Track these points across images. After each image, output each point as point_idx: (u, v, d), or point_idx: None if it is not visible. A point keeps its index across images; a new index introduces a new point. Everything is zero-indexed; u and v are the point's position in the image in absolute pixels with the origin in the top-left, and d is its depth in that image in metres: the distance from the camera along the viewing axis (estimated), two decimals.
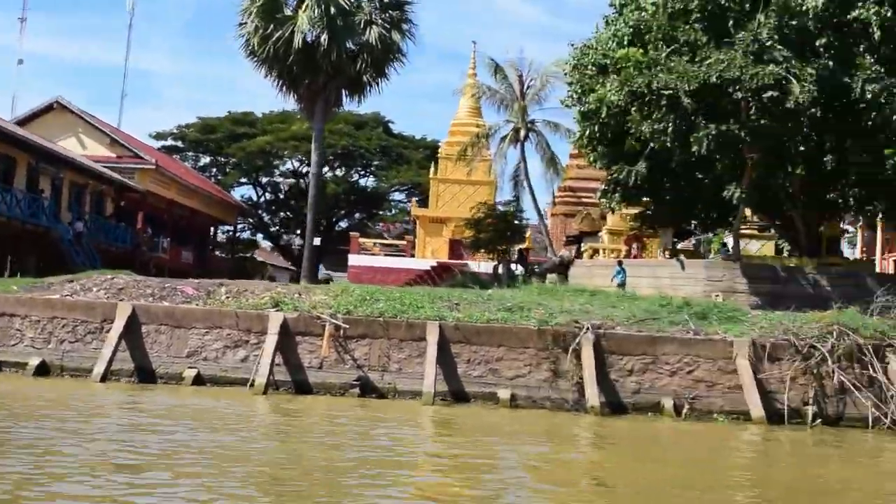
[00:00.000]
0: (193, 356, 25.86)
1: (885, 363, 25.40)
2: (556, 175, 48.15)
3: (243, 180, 67.40)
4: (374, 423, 21.64)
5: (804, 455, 21.39)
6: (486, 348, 25.75)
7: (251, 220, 68.92)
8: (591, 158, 38.69)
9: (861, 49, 31.91)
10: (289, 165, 67.64)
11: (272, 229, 72.80)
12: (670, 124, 31.56)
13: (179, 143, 66.02)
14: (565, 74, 38.68)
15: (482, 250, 39.74)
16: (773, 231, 48.22)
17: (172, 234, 56.67)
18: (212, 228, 65.88)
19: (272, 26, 36.43)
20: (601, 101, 33.73)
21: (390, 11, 37.94)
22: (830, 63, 31.21)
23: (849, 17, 31.52)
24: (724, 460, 20.13)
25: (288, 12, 37.11)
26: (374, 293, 27.90)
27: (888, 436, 23.99)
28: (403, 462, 17.00)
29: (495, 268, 39.57)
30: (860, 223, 46.98)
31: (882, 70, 31.15)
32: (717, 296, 33.11)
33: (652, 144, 32.91)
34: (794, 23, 31.28)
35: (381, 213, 73.51)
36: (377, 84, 38.72)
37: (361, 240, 55.88)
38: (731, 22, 32.42)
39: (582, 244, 48.88)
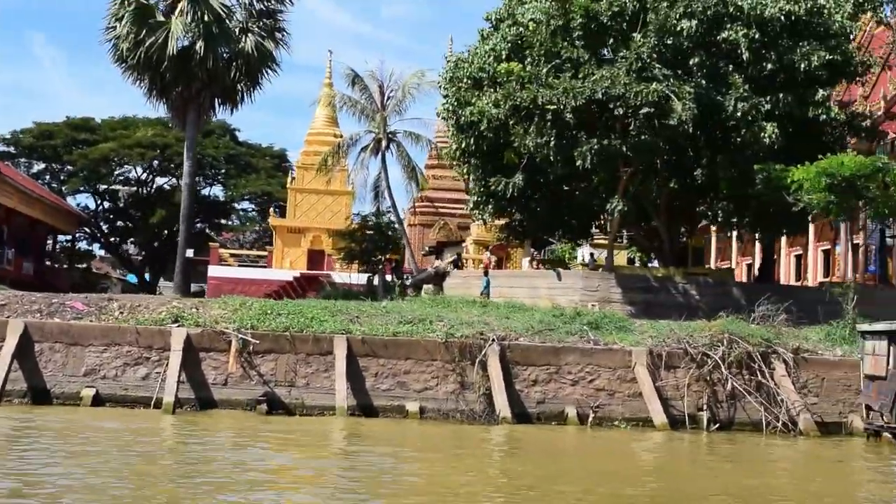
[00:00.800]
0: (91, 375, 24.91)
1: (771, 369, 26.66)
2: (418, 186, 48.39)
3: (82, 188, 64.81)
4: (284, 442, 21.41)
5: (715, 459, 22.23)
6: (393, 361, 25.77)
7: (87, 230, 66.46)
8: (465, 171, 39.02)
9: (731, 69, 33.31)
10: (133, 174, 65.54)
11: (112, 239, 70.39)
12: (552, 139, 32.23)
13: (11, 149, 63.17)
14: (440, 87, 38.89)
15: (356, 261, 39.64)
16: (625, 241, 49.98)
17: (12, 245, 54.07)
18: (49, 238, 63.20)
19: (144, 32, 35.33)
20: (482, 114, 34.10)
21: (263, 20, 37.40)
22: (703, 81, 32.52)
23: (719, 38, 32.86)
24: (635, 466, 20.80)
25: (161, 18, 36.07)
26: (275, 307, 27.53)
27: (780, 438, 25.16)
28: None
29: (369, 279, 39.48)
30: (729, 234, 48.88)
31: (751, 89, 32.63)
32: (594, 305, 33.92)
33: (535, 158, 33.47)
34: (669, 42, 32.43)
35: (226, 222, 72.11)
36: (250, 93, 38.09)
37: (221, 251, 54.82)
38: (610, 40, 33.42)
39: (445, 254, 49.33)
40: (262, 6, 37.37)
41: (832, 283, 34.07)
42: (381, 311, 28.78)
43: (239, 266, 54.08)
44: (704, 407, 26.21)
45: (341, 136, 55.50)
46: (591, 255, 42.34)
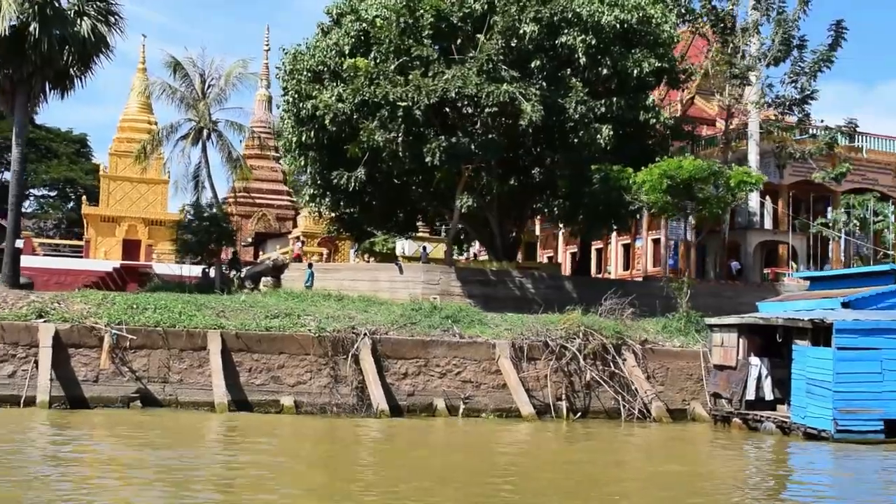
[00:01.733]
0: None
1: (622, 360, 28.31)
2: (242, 177, 47.88)
3: None
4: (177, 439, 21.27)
5: (596, 445, 23.51)
6: (267, 356, 25.89)
7: None
8: (302, 163, 39.07)
9: (568, 72, 34.83)
10: None
11: None
12: (400, 134, 32.92)
13: None
14: (278, 78, 38.82)
15: (191, 253, 38.93)
16: (442, 235, 51.14)
17: None
18: None
19: None
20: (328, 108, 34.33)
21: (97, 2, 36.17)
22: (544, 84, 33.91)
23: (557, 42, 34.28)
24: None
25: None
26: (139, 301, 27.01)
27: (637, 425, 26.77)
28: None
29: (204, 271, 38.84)
30: (554, 229, 50.66)
31: (587, 92, 34.26)
32: (435, 298, 34.78)
33: (382, 153, 34.02)
34: (513, 45, 33.63)
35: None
36: (82, 78, 36.74)
37: (34, 240, 52.32)
38: (458, 41, 34.32)
39: (268, 245, 49.03)
40: None
41: (670, 277, 36.21)
42: (243, 305, 28.73)
43: (50, 256, 51.80)
44: (563, 397, 27.54)
45: (156, 124, 54.20)
46: (424, 248, 43.18)
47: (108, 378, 24.57)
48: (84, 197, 54.52)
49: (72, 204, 63.90)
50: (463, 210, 37.60)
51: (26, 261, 49.33)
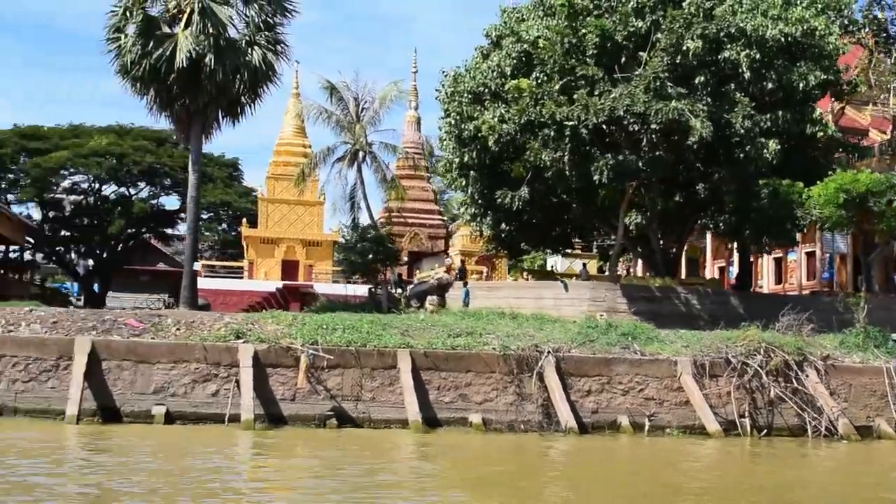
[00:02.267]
0: (160, 392, 24.88)
1: (805, 376, 27.99)
2: (398, 196, 48.94)
3: (36, 198, 63.08)
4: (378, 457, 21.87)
5: (818, 464, 23.38)
6: (454, 374, 26.34)
7: (30, 240, 64.96)
8: (462, 183, 39.71)
9: (732, 87, 34.67)
10: (85, 183, 64.04)
11: (57, 249, 68.88)
12: (566, 153, 33.20)
13: None
14: (438, 101, 39.60)
15: (356, 274, 40.00)
16: (595, 251, 51.28)
17: None
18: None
19: (151, 44, 35.09)
20: (491, 129, 34.86)
21: (265, 32, 37.41)
22: (709, 99, 33.82)
23: (720, 57, 34.16)
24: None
25: (166, 30, 35.85)
26: (328, 322, 27.77)
27: (825, 442, 26.47)
28: None
29: (371, 291, 39.80)
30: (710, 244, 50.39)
31: (752, 106, 34.05)
32: (602, 315, 34.88)
33: (547, 172, 34.38)
34: (678, 61, 33.64)
35: (171, 232, 71.11)
36: (252, 105, 38.11)
37: (209, 263, 54.27)
38: (622, 59, 34.49)
39: (423, 264, 49.86)
40: (263, 19, 37.27)
41: (847, 293, 35.79)
42: (422, 323, 29.31)
43: (209, 277, 53.38)
44: (746, 413, 27.37)
45: (310, 147, 55.68)
46: (584, 265, 43.40)
47: (304, 397, 25.36)
48: (244, 220, 56.09)
49: (223, 226, 66.02)
50: (631, 227, 37.70)
51: (204, 282, 51.30)
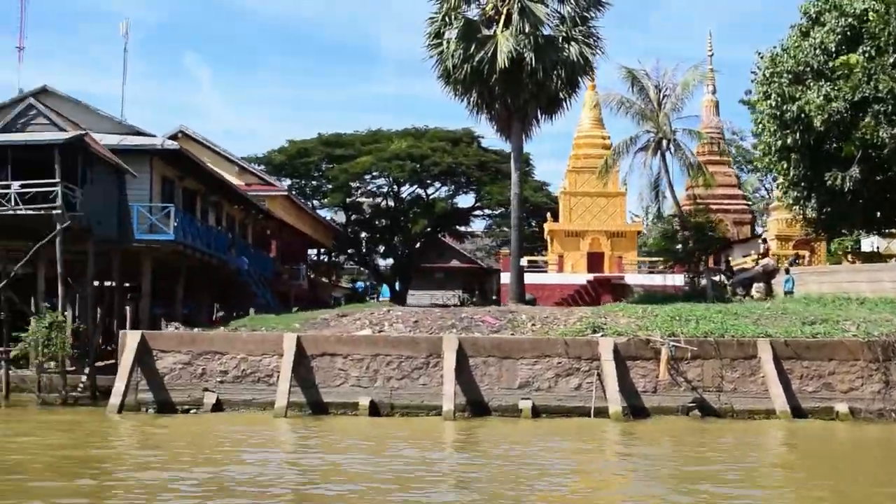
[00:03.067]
0: (525, 387, 25.45)
1: None
2: (705, 184, 48.19)
3: (340, 203, 66.17)
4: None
5: None
6: (816, 363, 25.60)
7: (334, 243, 68.09)
8: (783, 166, 38.59)
9: None
10: (384, 186, 66.61)
11: (362, 251, 72.07)
12: None
13: (263, 168, 64.98)
14: (755, 83, 38.69)
15: (678, 264, 39.80)
16: None
17: (295, 262, 56.08)
18: (311, 253, 65.26)
19: (473, 47, 36.05)
20: (820, 108, 33.72)
21: (579, 27, 37.68)
22: None
23: None
24: None
25: (486, 32, 36.75)
26: (680, 313, 27.70)
27: None
28: None
29: (692, 280, 39.46)
30: None
31: None
32: None
33: (884, 149, 32.98)
34: None
35: (463, 229, 72.93)
36: (568, 101, 38.58)
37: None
38: None
39: (733, 251, 48.88)
40: (576, 14, 37.50)
41: None
42: (771, 312, 28.74)
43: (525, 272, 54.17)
44: None
45: (608, 138, 55.59)
46: None
47: (665, 388, 25.35)
48: (548, 214, 56.55)
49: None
50: None
51: (505, 278, 52.31)
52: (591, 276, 48.18)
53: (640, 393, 25.41)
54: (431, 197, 66.31)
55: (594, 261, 52.63)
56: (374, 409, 25.26)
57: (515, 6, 35.85)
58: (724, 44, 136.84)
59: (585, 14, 38.06)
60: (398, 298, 68.17)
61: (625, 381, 25.32)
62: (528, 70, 35.99)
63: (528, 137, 39.10)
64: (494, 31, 36.59)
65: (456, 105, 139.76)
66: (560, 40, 37.08)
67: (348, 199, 66.65)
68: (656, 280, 45.75)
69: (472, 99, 37.81)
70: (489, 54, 35.97)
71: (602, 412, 24.66)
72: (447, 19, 37.53)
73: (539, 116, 38.64)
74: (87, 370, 29.60)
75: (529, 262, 54.66)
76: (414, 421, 24.49)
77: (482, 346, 25.77)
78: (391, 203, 68.06)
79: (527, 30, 36.08)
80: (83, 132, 30.20)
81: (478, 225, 74.99)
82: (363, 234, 71.78)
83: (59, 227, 28.58)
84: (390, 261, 74.00)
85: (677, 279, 45.23)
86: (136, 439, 22.21)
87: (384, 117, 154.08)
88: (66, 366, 28.33)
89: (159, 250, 34.07)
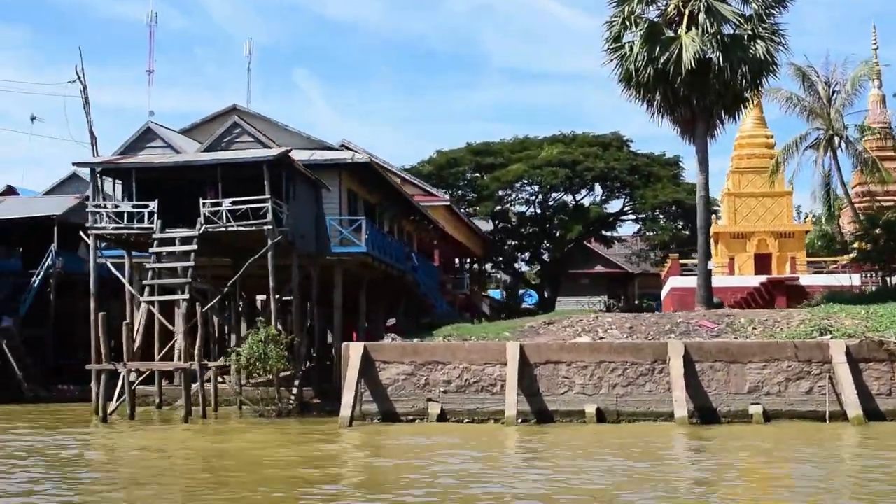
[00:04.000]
0: (754, 392, 24.91)
1: None
2: (880, 180, 47.08)
3: (492, 212, 66.13)
4: None
5: None
6: None
7: (485, 251, 68.11)
8: None
9: None
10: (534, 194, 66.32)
11: (510, 259, 72.04)
12: None
13: (413, 179, 65.20)
14: None
15: (867, 262, 38.82)
16: None
17: (449, 271, 56.26)
18: (462, 262, 65.36)
19: (658, 49, 35.59)
20: None
21: (763, 24, 36.89)
22: None
23: None
24: None
25: (669, 34, 36.24)
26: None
27: None
28: None
29: (884, 278, 38.33)
30: None
31: None
32: None
33: None
34: None
35: (609, 234, 72.02)
36: (752, 100, 37.85)
37: (682, 261, 54.87)
38: None
39: None
40: (761, 11, 36.70)
41: None
42: None
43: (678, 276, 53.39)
44: None
45: (771, 137, 54.67)
46: None
47: None
48: (715, 218, 55.57)
49: (678, 223, 65.60)
50: None
51: (676, 282, 51.70)
52: (763, 278, 47.10)
53: (874, 396, 24.62)
54: (583, 202, 65.72)
55: (761, 262, 51.59)
56: (601, 417, 25.01)
57: (701, 6, 35.26)
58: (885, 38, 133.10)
59: (770, 10, 37.29)
60: (547, 305, 67.82)
61: (858, 383, 24.53)
62: (715, 70, 35.39)
63: (713, 138, 38.41)
64: (678, 33, 36.08)
65: (565, 110, 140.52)
66: (745, 38, 36.37)
67: (498, 208, 66.61)
68: (832, 280, 44.48)
69: (654, 101, 37.30)
70: (674, 55, 35.48)
71: (837, 416, 24.00)
72: (626, 23, 37.18)
73: (723, 117, 37.99)
74: (296, 382, 30.09)
75: (681, 265, 53.96)
76: (647, 427, 24.16)
77: (708, 351, 25.27)
78: (537, 210, 67.69)
79: (712, 29, 35.55)
80: (288, 149, 30.67)
81: (625, 230, 73.93)
82: (509, 242, 71.63)
83: (269, 242, 29.13)
84: (534, 268, 73.90)
85: (853, 279, 44.11)
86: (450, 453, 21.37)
87: (493, 125, 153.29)
88: (283, 379, 28.81)
89: (349, 262, 34.46)
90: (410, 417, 25.87)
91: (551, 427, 24.67)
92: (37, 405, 36.82)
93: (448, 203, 52.57)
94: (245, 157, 29.86)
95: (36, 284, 42.51)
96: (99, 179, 31.77)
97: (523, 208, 68.24)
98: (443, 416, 25.63)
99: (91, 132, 45.24)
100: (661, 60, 35.75)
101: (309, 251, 32.18)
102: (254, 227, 29.18)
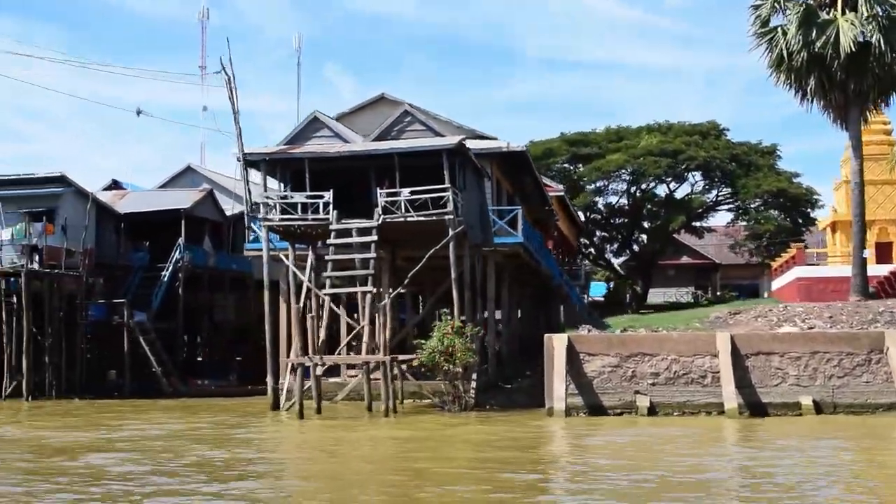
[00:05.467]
0: None
1: None
2: None
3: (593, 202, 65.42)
4: None
5: None
6: None
7: (579, 242, 67.44)
8: None
9: None
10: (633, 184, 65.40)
11: (601, 250, 71.41)
12: None
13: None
14: None
15: None
16: None
17: (567, 264, 55.69)
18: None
19: (814, 32, 34.79)
20: None
21: None
22: None
23: None
24: None
25: (824, 16, 35.41)
26: None
27: None
28: None
29: None
30: None
31: None
32: None
33: None
34: None
35: (699, 225, 70.93)
36: None
37: (808, 251, 53.96)
38: None
39: None
40: None
41: None
42: None
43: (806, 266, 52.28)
44: None
45: (889, 123, 53.59)
46: None
47: None
48: (832, 206, 54.59)
49: (780, 213, 64.58)
50: None
51: (800, 272, 50.74)
52: (893, 267, 46.09)
53: None
54: (675, 193, 64.87)
55: (882, 251, 50.52)
56: (818, 409, 24.31)
57: None
58: None
59: None
60: (638, 297, 67.10)
61: None
62: (875, 53, 34.62)
63: (867, 124, 37.57)
64: (833, 15, 35.28)
65: (592, 102, 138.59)
66: None
67: (598, 199, 65.99)
68: None
69: (808, 86, 36.47)
70: (831, 39, 34.68)
71: None
72: (776, 6, 36.44)
73: (877, 102, 37.21)
74: (474, 375, 29.49)
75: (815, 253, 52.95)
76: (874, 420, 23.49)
77: None
78: (628, 201, 66.86)
79: (871, 11, 34.80)
80: (463, 137, 30.11)
81: (718, 219, 72.62)
82: (598, 233, 70.91)
83: (451, 232, 28.54)
84: (621, 259, 73.24)
85: None
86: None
87: (528, 117, 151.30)
88: (468, 372, 28.27)
89: (502, 253, 33.87)
90: (618, 411, 25.25)
91: (770, 420, 23.96)
92: (180, 400, 36.50)
93: (561, 194, 51.83)
94: (423, 146, 29.31)
95: (166, 279, 42.25)
96: (262, 171, 31.38)
97: (612, 199, 67.60)
98: (652, 410, 24.98)
99: (237, 122, 44.56)
100: (818, 44, 35.03)
101: (476, 241, 31.58)
102: (434, 218, 28.56)
